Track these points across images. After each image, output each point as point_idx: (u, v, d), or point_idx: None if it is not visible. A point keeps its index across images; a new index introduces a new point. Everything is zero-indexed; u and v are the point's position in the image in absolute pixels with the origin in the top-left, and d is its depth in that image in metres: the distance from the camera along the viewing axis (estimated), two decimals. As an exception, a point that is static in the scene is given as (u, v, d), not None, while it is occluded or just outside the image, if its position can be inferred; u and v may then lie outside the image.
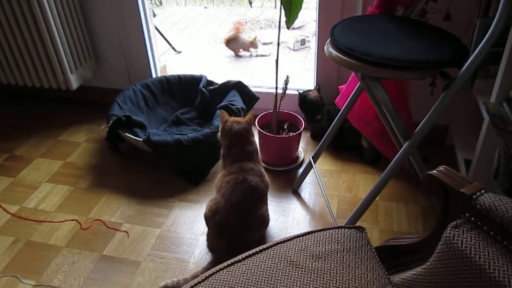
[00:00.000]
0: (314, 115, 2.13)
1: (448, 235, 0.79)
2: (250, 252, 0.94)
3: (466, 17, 1.71)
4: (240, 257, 0.93)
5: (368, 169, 1.97)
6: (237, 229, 1.47)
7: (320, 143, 1.75)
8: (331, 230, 0.99)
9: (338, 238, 0.97)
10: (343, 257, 0.92)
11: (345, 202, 1.79)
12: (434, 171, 0.86)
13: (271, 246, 0.94)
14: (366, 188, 1.86)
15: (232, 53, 3.39)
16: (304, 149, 2.11)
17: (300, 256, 0.91)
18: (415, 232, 1.64)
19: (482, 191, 0.79)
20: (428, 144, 1.65)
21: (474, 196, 0.79)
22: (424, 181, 0.89)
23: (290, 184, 1.91)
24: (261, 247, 0.95)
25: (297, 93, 2.16)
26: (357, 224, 1.45)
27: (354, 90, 1.61)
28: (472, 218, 0.79)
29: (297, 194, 1.86)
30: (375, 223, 1.68)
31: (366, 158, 2.01)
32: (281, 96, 1.90)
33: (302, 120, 2.01)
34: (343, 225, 1.04)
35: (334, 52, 1.35)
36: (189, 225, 1.72)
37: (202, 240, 1.64)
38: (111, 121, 1.98)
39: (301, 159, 2.05)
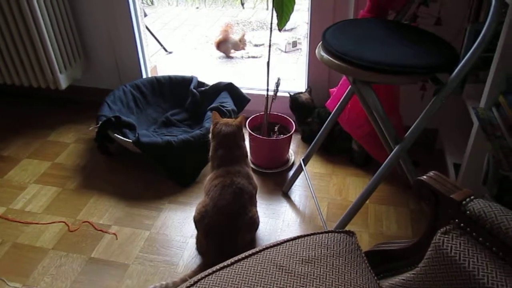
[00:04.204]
0: (305, 118, 2.13)
1: (437, 241, 0.79)
2: (239, 256, 0.93)
3: (456, 22, 1.72)
4: (229, 261, 0.92)
5: (358, 172, 1.97)
6: (226, 232, 1.46)
7: (311, 146, 1.75)
8: (321, 235, 0.99)
9: (327, 242, 0.97)
10: (333, 262, 0.92)
11: (335, 205, 1.79)
12: (424, 177, 0.86)
13: (260, 251, 0.94)
14: (356, 191, 1.86)
15: (223, 54, 3.39)
16: (294, 152, 2.11)
17: (289, 261, 0.90)
18: (405, 236, 1.64)
19: (472, 197, 0.79)
20: (418, 147, 1.66)
21: (464, 202, 0.79)
22: (415, 186, 0.88)
23: (281, 186, 1.90)
24: (250, 252, 0.94)
25: (288, 95, 2.16)
26: (347, 228, 1.45)
27: (345, 93, 1.61)
28: (462, 224, 0.79)
29: (287, 196, 1.86)
30: (365, 226, 1.69)
31: (357, 161, 2.01)
32: (272, 98, 1.90)
33: (293, 123, 2.01)
34: (333, 229, 1.04)
35: (325, 55, 1.34)
36: (178, 228, 1.70)
37: (192, 242, 1.63)
38: (100, 122, 1.96)
39: (292, 161, 2.05)
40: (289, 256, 0.92)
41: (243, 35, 3.35)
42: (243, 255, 0.93)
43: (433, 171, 0.87)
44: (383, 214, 1.74)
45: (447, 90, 1.24)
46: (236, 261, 0.92)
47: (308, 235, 0.98)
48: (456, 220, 0.79)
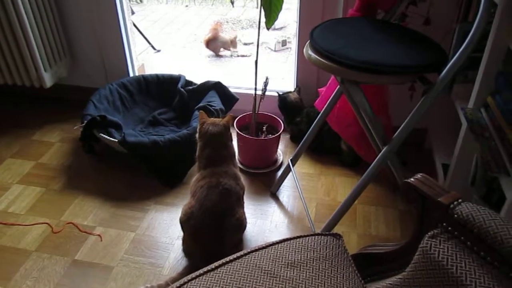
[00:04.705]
0: (293, 117, 2.11)
1: (425, 245, 0.78)
2: (224, 260, 0.91)
3: (445, 22, 1.71)
4: (213, 265, 0.90)
5: (347, 172, 1.96)
6: (213, 233, 1.44)
7: (299, 146, 1.73)
8: (307, 238, 0.97)
9: (314, 246, 0.95)
10: (319, 266, 0.90)
11: (324, 206, 1.78)
12: (412, 179, 0.85)
13: (245, 255, 0.92)
14: (345, 191, 1.85)
15: (212, 52, 3.36)
16: (283, 152, 2.09)
17: (274, 265, 0.89)
18: (393, 237, 1.63)
19: (460, 200, 0.78)
20: (407, 147, 1.65)
21: (451, 206, 0.77)
22: (402, 189, 0.87)
23: (269, 187, 1.88)
24: (235, 255, 0.92)
25: (277, 94, 2.14)
26: (335, 228, 1.44)
27: (334, 93, 1.60)
28: (449, 228, 0.77)
29: (275, 197, 1.84)
30: (353, 227, 1.67)
31: (345, 161, 2.00)
32: (261, 97, 1.87)
33: (281, 122, 1.99)
34: (321, 230, 1.02)
35: (313, 55, 1.32)
36: (164, 229, 1.68)
37: (178, 244, 1.61)
38: (85, 121, 1.93)
39: (280, 161, 2.03)
40: (274, 260, 0.90)
41: (235, 37, 3.32)
42: (227, 258, 0.91)
43: (420, 174, 0.86)
44: (371, 215, 1.73)
45: (436, 90, 1.23)
46: (220, 265, 0.90)
47: (294, 238, 0.96)
48: (444, 224, 0.78)
